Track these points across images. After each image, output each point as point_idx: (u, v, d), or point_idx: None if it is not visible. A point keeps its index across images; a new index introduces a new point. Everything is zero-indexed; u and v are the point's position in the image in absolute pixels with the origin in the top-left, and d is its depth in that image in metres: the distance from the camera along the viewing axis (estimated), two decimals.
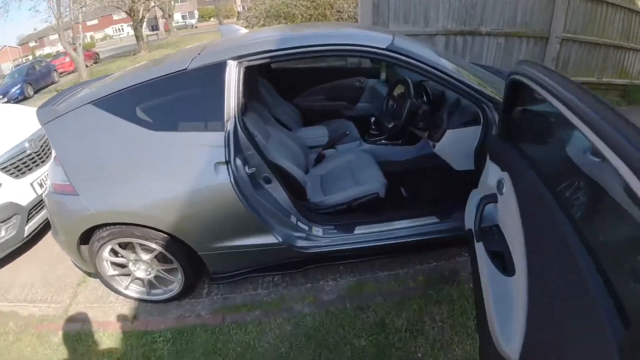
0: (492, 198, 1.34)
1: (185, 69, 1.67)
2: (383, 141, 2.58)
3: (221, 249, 1.81)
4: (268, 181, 1.85)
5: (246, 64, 1.70)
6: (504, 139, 1.41)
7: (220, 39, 2.22)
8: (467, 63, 2.05)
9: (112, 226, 1.78)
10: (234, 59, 1.67)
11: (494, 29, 4.50)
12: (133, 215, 1.73)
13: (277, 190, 1.87)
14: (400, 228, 2.00)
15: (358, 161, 2.35)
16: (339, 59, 3.58)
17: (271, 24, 6.93)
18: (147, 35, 23.29)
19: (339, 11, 6.38)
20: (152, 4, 20.13)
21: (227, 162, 1.63)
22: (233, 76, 1.65)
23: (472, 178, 1.72)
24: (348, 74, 3.17)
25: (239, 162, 1.68)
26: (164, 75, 1.70)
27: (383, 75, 2.88)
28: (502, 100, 1.46)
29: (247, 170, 1.71)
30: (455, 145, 1.95)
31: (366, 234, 1.98)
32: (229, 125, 1.65)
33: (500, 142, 1.46)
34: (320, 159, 2.50)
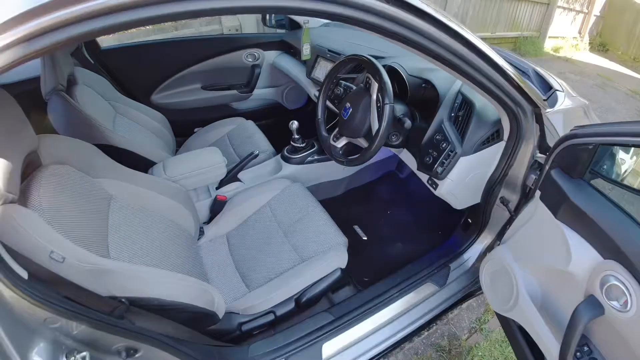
0: (594, 311, 0.74)
1: None
2: (315, 156, 1.57)
3: None
4: (132, 352, 0.72)
5: None
6: (586, 182, 0.86)
7: None
8: None
9: None
10: None
11: None
12: None
13: (156, 358, 0.76)
14: (389, 321, 1.15)
15: (287, 202, 1.33)
16: (210, 21, 2.37)
17: None
18: None
19: None
20: None
21: None
22: None
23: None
24: (232, 47, 1.99)
25: None
26: None
27: (306, 51, 1.74)
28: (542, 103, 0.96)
29: None
30: (466, 179, 1.10)
31: (343, 350, 1.06)
32: None
33: (588, 193, 0.83)
34: (218, 205, 1.39)
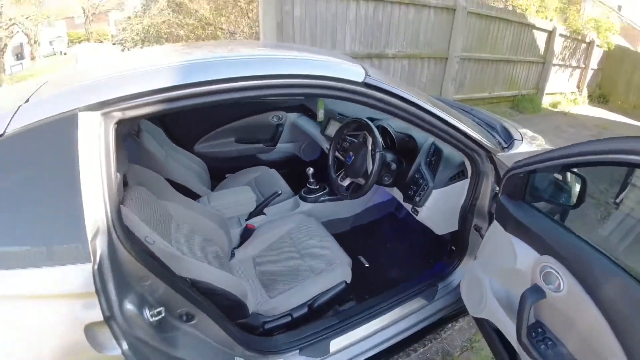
0: (537, 294, 0.95)
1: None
2: (327, 197, 1.92)
3: None
4: (190, 318, 1.02)
5: (119, 115, 0.85)
6: (525, 202, 1.10)
7: (72, 71, 1.30)
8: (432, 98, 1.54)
9: None
10: (92, 108, 0.81)
11: (400, 51, 4.41)
12: None
13: (205, 328, 1.05)
14: (386, 326, 1.40)
15: (303, 232, 1.65)
16: None
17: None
18: (11, 66, 18.84)
19: (232, 33, 5.68)
20: (16, 29, 16.16)
21: (110, 319, 0.78)
22: (94, 143, 0.80)
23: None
24: (261, 109, 2.47)
25: (130, 309, 0.83)
26: None
27: (321, 114, 2.23)
28: (493, 148, 1.29)
29: (151, 318, 0.87)
30: (440, 207, 1.43)
31: (347, 347, 1.31)
32: (100, 244, 0.78)
33: (525, 209, 1.08)
34: (247, 233, 1.73)
